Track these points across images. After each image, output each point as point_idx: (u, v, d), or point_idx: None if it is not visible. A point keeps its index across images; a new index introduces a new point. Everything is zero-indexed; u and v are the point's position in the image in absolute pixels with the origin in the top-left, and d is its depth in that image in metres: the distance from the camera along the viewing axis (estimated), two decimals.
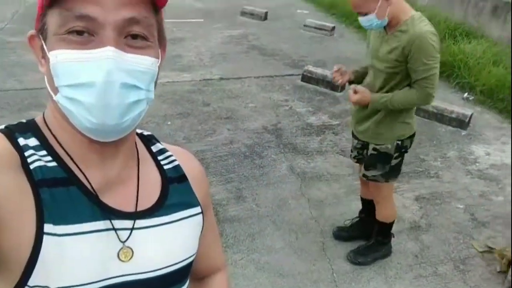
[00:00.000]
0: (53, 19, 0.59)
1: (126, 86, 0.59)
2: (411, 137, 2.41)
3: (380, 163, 2.42)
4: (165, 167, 0.76)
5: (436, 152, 4.07)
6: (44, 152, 0.63)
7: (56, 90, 0.60)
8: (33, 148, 0.63)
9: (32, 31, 0.65)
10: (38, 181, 0.60)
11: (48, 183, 0.60)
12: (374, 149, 2.42)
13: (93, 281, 0.62)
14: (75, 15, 0.57)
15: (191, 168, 0.80)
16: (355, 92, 2.30)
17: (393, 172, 2.46)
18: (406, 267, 2.72)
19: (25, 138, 0.63)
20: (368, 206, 2.77)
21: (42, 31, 0.62)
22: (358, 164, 2.74)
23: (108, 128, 0.60)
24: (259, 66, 5.91)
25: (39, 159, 0.62)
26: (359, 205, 3.21)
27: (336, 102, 4.93)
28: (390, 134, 2.36)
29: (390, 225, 2.68)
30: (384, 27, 2.20)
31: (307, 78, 5.34)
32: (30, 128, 0.65)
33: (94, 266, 0.62)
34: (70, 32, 0.58)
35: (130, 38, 0.60)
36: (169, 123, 4.17)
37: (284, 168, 3.63)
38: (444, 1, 7.65)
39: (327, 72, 5.33)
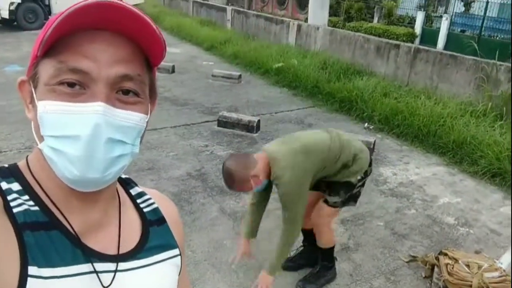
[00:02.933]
0: (46, 69, 0.59)
1: (112, 141, 0.59)
2: (370, 165, 2.58)
3: (343, 190, 2.55)
4: (145, 210, 0.77)
5: None
6: (26, 197, 0.62)
7: (41, 138, 0.60)
8: (17, 192, 0.62)
9: (23, 77, 0.65)
10: (21, 224, 0.59)
11: (31, 227, 0.60)
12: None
13: None
14: (69, 68, 0.57)
15: (169, 211, 0.82)
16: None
17: (353, 198, 2.63)
18: (344, 287, 2.84)
19: (8, 182, 0.62)
20: (309, 235, 2.88)
21: (33, 79, 0.61)
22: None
23: (89, 180, 0.60)
24: (173, 116, 5.96)
25: (23, 203, 0.61)
26: None
27: (254, 142, 5.12)
28: (351, 177, 2.52)
29: (332, 249, 2.81)
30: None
31: (223, 123, 5.50)
32: (13, 173, 0.64)
33: None
34: (61, 83, 0.58)
35: (122, 93, 0.60)
36: None
37: (215, 210, 3.63)
38: (334, 45, 8.53)
39: (241, 116, 5.55)
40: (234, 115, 5.57)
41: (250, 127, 5.37)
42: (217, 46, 10.69)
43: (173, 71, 8.39)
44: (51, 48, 0.58)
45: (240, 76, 8.03)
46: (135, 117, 0.62)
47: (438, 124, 5.31)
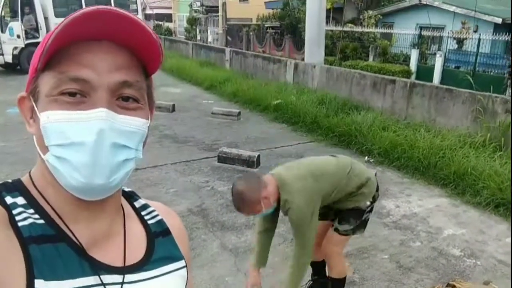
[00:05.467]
0: (46, 81, 0.60)
1: (116, 146, 0.60)
2: (377, 189, 2.58)
3: (353, 217, 2.52)
4: (149, 222, 0.77)
5: None
6: (32, 211, 0.62)
7: (45, 149, 0.60)
8: (22, 206, 0.62)
9: (23, 93, 0.66)
10: (26, 238, 0.59)
11: (37, 240, 0.60)
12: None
13: None
14: (69, 77, 0.59)
15: (173, 223, 0.81)
16: None
17: (362, 225, 2.58)
18: None
19: (13, 197, 0.63)
20: (320, 268, 2.82)
21: (33, 93, 0.63)
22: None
23: (95, 187, 0.60)
24: (174, 153, 5.97)
25: (29, 217, 0.61)
26: None
27: None
28: (361, 202, 2.50)
29: (344, 280, 2.74)
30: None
31: (223, 158, 5.50)
32: (17, 188, 0.65)
33: None
34: (63, 93, 0.59)
35: (122, 100, 0.62)
36: None
37: (216, 246, 3.57)
38: (331, 82, 8.69)
39: (241, 152, 5.57)
40: (234, 151, 5.58)
41: (250, 162, 5.37)
42: (217, 85, 10.89)
43: (173, 110, 8.49)
44: (50, 61, 0.60)
45: (239, 113, 8.13)
46: (137, 122, 0.63)
47: (438, 156, 5.32)
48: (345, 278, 2.74)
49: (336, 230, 2.57)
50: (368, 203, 2.51)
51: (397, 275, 3.28)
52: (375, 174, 4.83)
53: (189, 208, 4.20)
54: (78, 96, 0.59)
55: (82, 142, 0.58)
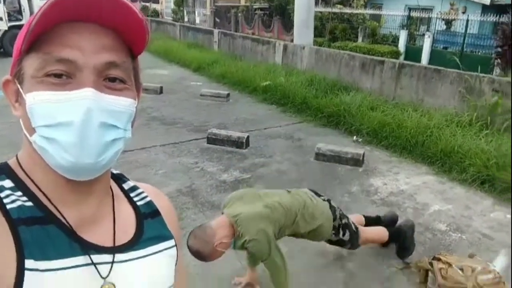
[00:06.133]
0: (31, 62, 0.60)
1: (104, 125, 0.60)
2: (335, 219, 2.70)
3: (340, 245, 2.84)
4: (138, 203, 0.78)
5: (341, 189, 4.39)
6: (20, 193, 0.62)
7: (32, 131, 0.60)
8: (10, 189, 0.62)
9: (7, 76, 0.65)
10: (15, 220, 0.59)
11: (26, 222, 0.60)
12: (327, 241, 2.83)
13: None
14: (55, 58, 0.58)
15: (162, 203, 0.82)
16: None
17: (354, 239, 2.83)
18: None
19: (0, 180, 0.63)
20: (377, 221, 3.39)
21: (18, 75, 0.62)
22: None
23: (84, 166, 0.60)
24: (162, 134, 5.94)
25: (17, 199, 0.61)
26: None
27: (244, 158, 5.12)
28: (323, 234, 2.69)
29: (390, 236, 3.17)
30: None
31: (212, 140, 5.50)
32: (4, 171, 0.65)
33: None
34: (48, 75, 0.58)
35: (108, 80, 0.62)
36: None
37: None
38: (320, 63, 8.66)
39: (230, 133, 5.56)
40: (223, 132, 5.57)
41: (239, 143, 5.37)
42: (205, 67, 10.80)
43: (161, 92, 8.41)
44: (35, 42, 0.59)
45: (228, 94, 8.09)
46: (125, 101, 0.63)
47: (425, 135, 5.37)
48: (389, 234, 3.15)
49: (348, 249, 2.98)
50: (332, 234, 2.72)
51: (384, 249, 3.33)
52: (363, 155, 4.90)
53: (179, 189, 4.21)
54: (64, 77, 0.59)
55: (69, 122, 0.57)
